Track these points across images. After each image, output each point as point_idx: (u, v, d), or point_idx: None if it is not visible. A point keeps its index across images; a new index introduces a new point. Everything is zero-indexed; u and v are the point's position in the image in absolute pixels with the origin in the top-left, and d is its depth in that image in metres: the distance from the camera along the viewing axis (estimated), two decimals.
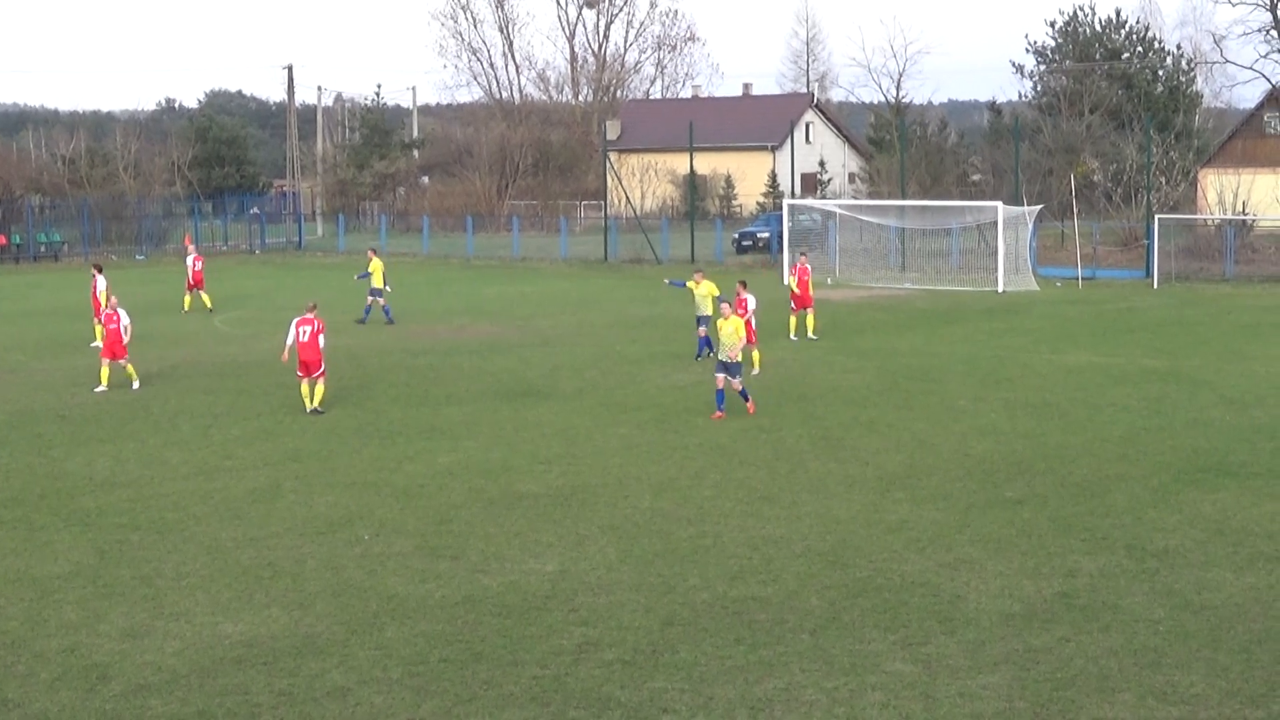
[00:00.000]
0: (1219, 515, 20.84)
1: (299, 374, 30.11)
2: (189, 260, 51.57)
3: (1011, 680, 14.52)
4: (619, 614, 16.74)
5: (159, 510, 21.94)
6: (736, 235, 77.35)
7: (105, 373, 33.33)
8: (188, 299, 50.71)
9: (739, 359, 28.95)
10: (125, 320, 33.63)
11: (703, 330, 36.47)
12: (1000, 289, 55.32)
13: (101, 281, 41.27)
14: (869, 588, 17.61)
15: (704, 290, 36.49)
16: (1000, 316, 46.64)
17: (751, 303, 34.36)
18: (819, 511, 21.34)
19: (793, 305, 40.98)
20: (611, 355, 37.70)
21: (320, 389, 29.96)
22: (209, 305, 50.33)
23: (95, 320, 41.11)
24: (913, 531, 20.15)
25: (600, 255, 73.32)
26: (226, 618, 16.81)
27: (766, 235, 74.34)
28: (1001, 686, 14.36)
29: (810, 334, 40.68)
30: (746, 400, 29.02)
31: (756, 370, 33.59)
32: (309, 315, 30.36)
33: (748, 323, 33.03)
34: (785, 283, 47.48)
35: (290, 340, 30.30)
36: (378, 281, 46.22)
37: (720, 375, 28.89)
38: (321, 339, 30.13)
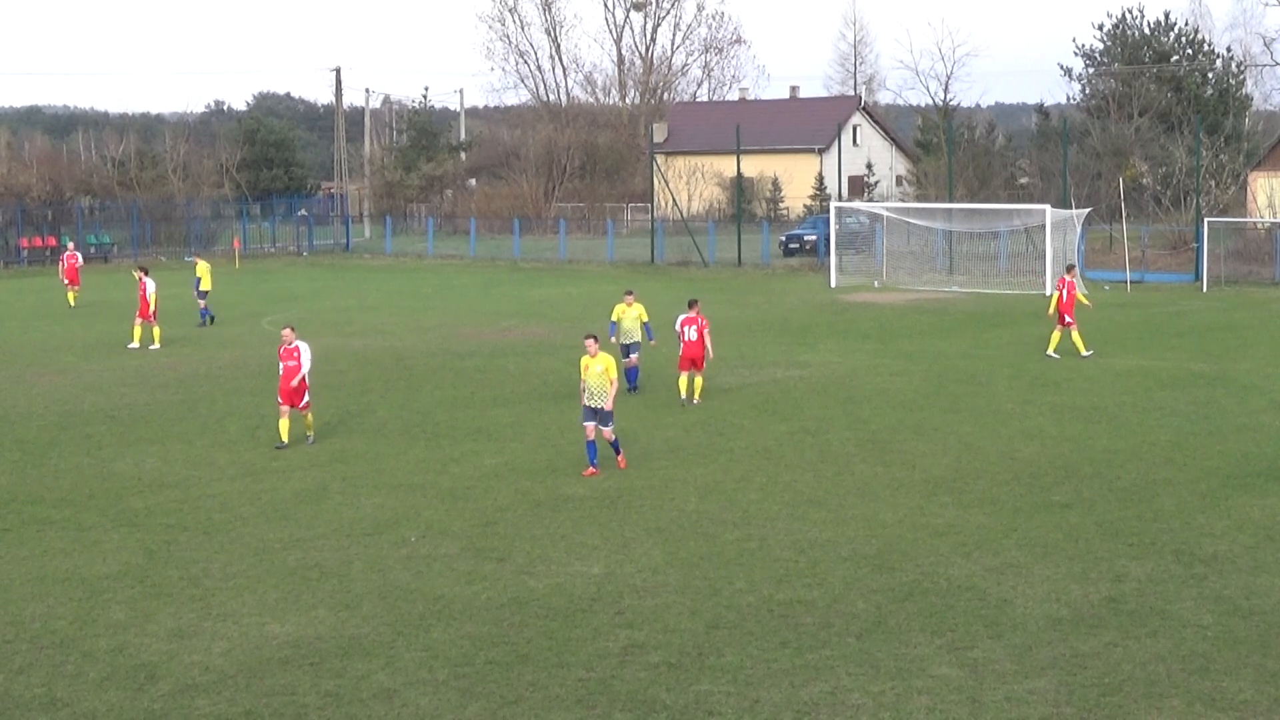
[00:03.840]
0: (1268, 521, 20.69)
1: (280, 403, 27.11)
2: (65, 257, 55.76)
3: (1058, 685, 14.45)
4: (664, 617, 16.74)
5: (207, 511, 22.06)
6: (783, 238, 77.24)
7: None
8: (71, 295, 53.96)
9: (610, 406, 24.48)
10: None
11: (634, 359, 32.77)
12: (1048, 292, 54.94)
13: (150, 284, 41.49)
14: (915, 592, 17.57)
15: (635, 314, 32.96)
16: (1048, 320, 46.31)
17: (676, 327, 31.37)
18: (865, 515, 21.28)
19: (1067, 320, 37.63)
20: (656, 357, 37.65)
21: (308, 418, 27.42)
22: (71, 303, 53.56)
23: (140, 321, 41.36)
24: (959, 535, 20.08)
25: (647, 258, 73.33)
26: (273, 618, 16.89)
27: (814, 238, 74.25)
28: (1048, 691, 14.30)
29: (1050, 350, 37.51)
30: (618, 453, 24.84)
31: (697, 400, 30.98)
32: (289, 345, 27.10)
33: (701, 344, 30.84)
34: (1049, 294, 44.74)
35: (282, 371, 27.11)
36: (205, 285, 48.02)
37: (589, 424, 24.57)
38: (306, 365, 26.96)
